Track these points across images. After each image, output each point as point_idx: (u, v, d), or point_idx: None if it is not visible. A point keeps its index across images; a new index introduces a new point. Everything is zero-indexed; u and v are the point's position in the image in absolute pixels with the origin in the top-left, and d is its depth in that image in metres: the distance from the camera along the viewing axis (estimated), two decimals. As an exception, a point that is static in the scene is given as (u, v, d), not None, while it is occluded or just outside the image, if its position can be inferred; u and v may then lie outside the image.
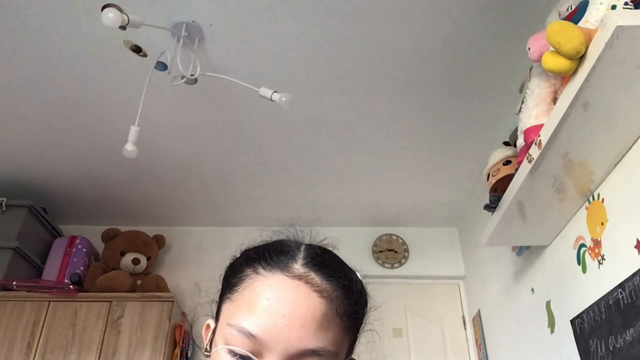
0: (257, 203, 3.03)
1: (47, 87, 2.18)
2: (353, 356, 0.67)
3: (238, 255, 0.65)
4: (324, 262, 0.61)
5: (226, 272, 0.64)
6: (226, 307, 0.59)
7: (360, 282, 0.68)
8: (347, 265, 0.67)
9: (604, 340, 1.51)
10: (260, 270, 0.59)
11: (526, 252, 2.19)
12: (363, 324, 0.67)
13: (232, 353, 0.55)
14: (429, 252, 3.21)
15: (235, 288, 0.60)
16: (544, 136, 1.43)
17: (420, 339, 2.98)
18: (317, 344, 0.54)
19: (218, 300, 0.63)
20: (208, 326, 0.64)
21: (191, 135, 2.47)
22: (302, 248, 0.63)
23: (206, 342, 0.63)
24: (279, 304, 0.55)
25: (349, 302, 0.60)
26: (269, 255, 0.60)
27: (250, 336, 0.53)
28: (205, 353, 0.61)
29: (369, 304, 0.69)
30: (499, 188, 1.84)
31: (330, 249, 0.68)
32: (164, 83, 1.99)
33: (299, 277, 0.57)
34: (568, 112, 1.32)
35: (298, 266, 0.59)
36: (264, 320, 0.54)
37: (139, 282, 2.84)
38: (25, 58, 2.03)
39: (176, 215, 3.16)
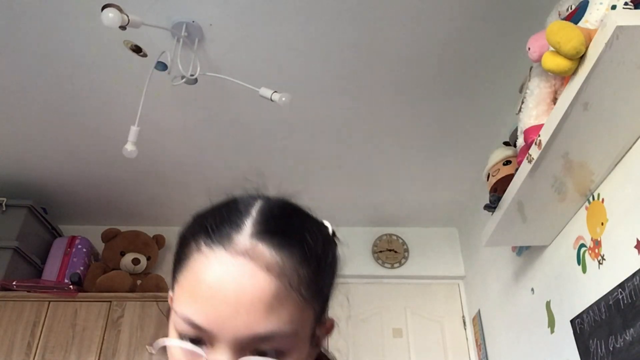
0: (257, 203, 3.03)
1: (47, 87, 2.18)
2: (326, 319, 0.61)
3: (188, 222, 0.58)
4: (278, 226, 0.54)
5: (176, 245, 0.58)
6: (176, 289, 0.55)
7: (326, 238, 0.61)
8: (309, 221, 0.60)
9: (604, 340, 1.51)
10: (202, 246, 0.53)
11: (526, 252, 2.19)
12: (333, 285, 0.60)
13: (184, 348, 0.51)
14: (429, 252, 3.21)
15: (180, 268, 0.54)
16: (544, 136, 1.43)
17: (420, 339, 2.98)
18: (269, 328, 0.49)
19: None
20: (172, 299, 0.58)
21: (191, 135, 2.47)
22: (255, 209, 0.56)
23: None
24: (222, 289, 0.49)
25: (308, 270, 0.54)
26: (213, 225, 0.54)
27: (195, 326, 0.50)
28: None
29: (338, 261, 0.62)
30: (499, 188, 1.84)
31: (295, 201, 0.61)
32: (164, 83, 1.99)
33: (243, 254, 0.51)
34: (568, 112, 1.32)
35: (244, 238, 0.52)
36: (207, 308, 0.49)
37: (139, 282, 2.84)
38: (25, 58, 2.03)
39: (176, 215, 3.15)
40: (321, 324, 0.59)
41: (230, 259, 0.51)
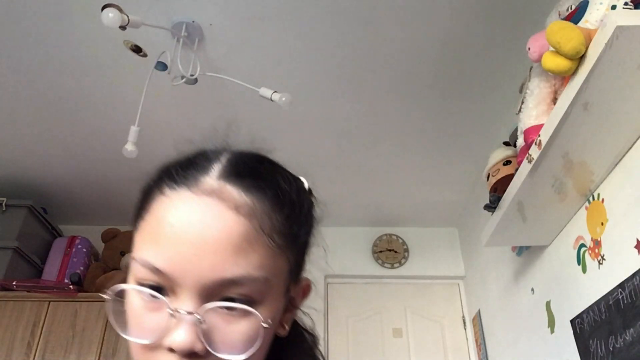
0: (257, 203, 3.03)
1: (47, 87, 2.18)
2: (303, 277, 0.57)
3: (152, 174, 0.55)
4: (247, 170, 0.51)
5: (138, 199, 0.53)
6: (135, 238, 0.50)
7: (301, 189, 0.57)
8: (283, 171, 0.57)
9: (604, 340, 1.51)
10: (165, 189, 0.49)
11: (526, 252, 2.19)
12: (309, 238, 0.56)
13: (141, 292, 0.46)
14: (429, 252, 3.21)
15: (141, 214, 0.50)
16: (544, 136, 1.43)
17: (420, 339, 2.98)
18: (237, 271, 0.45)
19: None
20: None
21: (191, 135, 2.47)
22: (224, 157, 0.52)
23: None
24: (185, 229, 0.45)
25: (280, 216, 0.50)
26: (178, 169, 0.50)
27: (156, 271, 0.45)
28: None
29: (315, 215, 0.58)
30: (499, 188, 1.84)
31: (267, 155, 0.58)
32: (164, 83, 1.99)
33: (209, 193, 0.47)
34: (568, 112, 1.32)
35: (211, 179, 0.48)
36: (169, 250, 0.45)
37: (139, 282, 2.84)
38: (25, 58, 2.03)
39: (176, 215, 3.15)
40: (296, 283, 0.54)
41: (195, 198, 0.47)
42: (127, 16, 1.56)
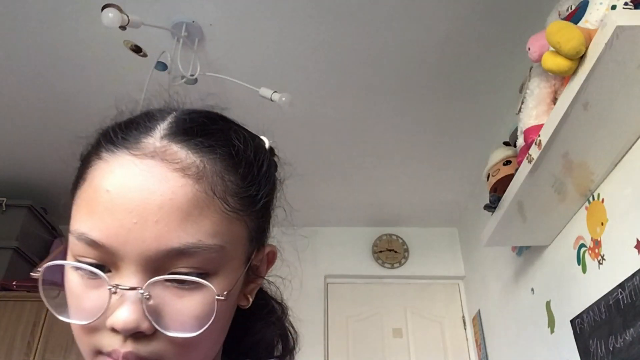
0: (257, 203, 3.03)
1: (47, 87, 2.18)
2: (269, 245, 0.52)
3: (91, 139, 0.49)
4: (195, 128, 0.45)
5: (76, 167, 0.48)
6: (72, 211, 0.44)
7: (259, 147, 0.52)
8: (239, 128, 0.51)
9: (604, 340, 1.51)
10: (103, 153, 0.43)
11: (526, 252, 2.19)
12: (270, 201, 0.51)
13: (77, 268, 0.41)
14: (429, 252, 3.21)
15: (77, 183, 0.45)
16: (544, 136, 1.43)
17: (420, 339, 2.98)
18: (185, 239, 0.40)
19: None
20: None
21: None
22: (172, 115, 0.47)
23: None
24: (123, 195, 0.40)
25: (234, 177, 0.45)
26: (117, 131, 0.45)
27: (94, 244, 0.40)
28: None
29: (276, 176, 0.53)
30: (499, 188, 1.84)
31: (222, 112, 0.52)
32: (164, 83, 1.99)
33: (151, 155, 0.42)
34: (568, 112, 1.32)
35: (154, 139, 0.43)
36: (107, 220, 0.40)
37: (139, 282, 2.84)
38: (25, 58, 2.03)
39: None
40: (259, 250, 0.50)
41: (136, 161, 0.42)
42: (127, 16, 1.56)
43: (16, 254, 2.69)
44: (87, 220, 0.41)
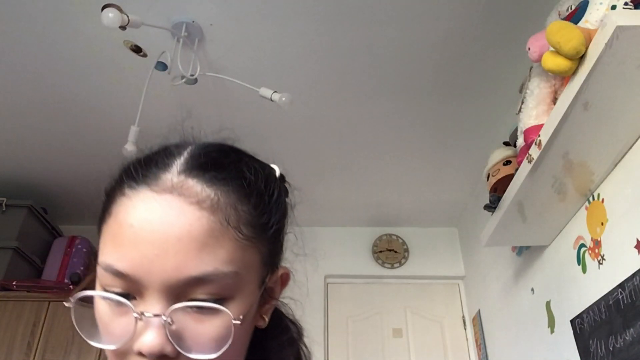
0: (257, 203, 3.03)
1: (47, 87, 2.18)
2: (281, 267, 0.55)
3: (114, 176, 0.53)
4: (209, 162, 0.49)
5: (102, 202, 0.52)
6: (99, 244, 0.48)
7: (269, 177, 0.55)
8: (250, 160, 0.54)
9: (604, 340, 1.51)
10: (126, 190, 0.47)
11: (526, 252, 2.19)
12: (281, 227, 0.54)
13: (106, 298, 0.45)
14: (429, 252, 3.21)
15: (103, 218, 0.49)
16: (544, 136, 1.43)
17: (420, 339, 2.98)
18: (203, 268, 0.44)
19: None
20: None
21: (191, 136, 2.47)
22: (187, 150, 0.51)
23: None
24: (145, 228, 0.44)
25: (246, 207, 0.48)
26: (138, 169, 0.48)
27: (120, 274, 0.44)
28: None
29: (287, 202, 0.57)
30: (499, 188, 1.84)
31: (234, 144, 0.56)
32: (164, 83, 1.99)
33: (169, 190, 0.46)
34: (568, 112, 1.32)
35: (172, 175, 0.47)
36: (130, 252, 0.44)
37: (139, 282, 2.83)
38: (25, 58, 2.03)
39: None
40: (273, 273, 0.53)
41: (156, 196, 0.45)
42: (127, 16, 1.56)
43: (16, 254, 2.69)
44: (113, 252, 0.45)
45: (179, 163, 0.48)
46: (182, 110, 2.28)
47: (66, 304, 0.46)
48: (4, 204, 2.75)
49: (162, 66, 1.87)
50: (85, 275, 2.81)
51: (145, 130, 1.98)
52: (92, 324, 0.47)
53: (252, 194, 0.50)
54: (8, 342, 2.49)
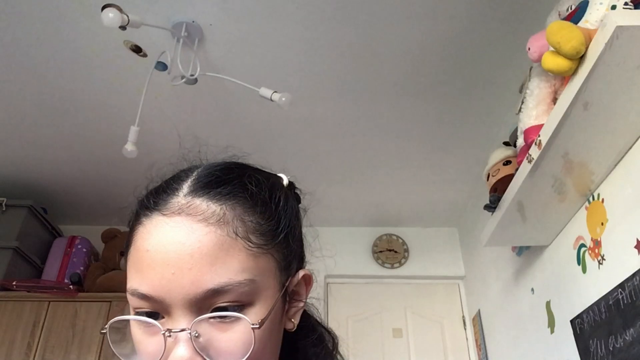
0: (257, 203, 3.03)
1: (47, 87, 2.18)
2: (300, 268, 0.58)
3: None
4: (214, 180, 0.52)
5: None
6: (127, 273, 0.52)
7: (274, 186, 0.57)
8: (253, 172, 0.57)
9: (604, 340, 1.51)
10: (142, 219, 0.51)
11: (526, 252, 2.19)
12: (292, 231, 0.56)
13: (136, 320, 0.49)
14: (429, 252, 3.21)
15: (128, 248, 0.53)
16: (544, 136, 1.43)
17: (420, 339, 2.98)
18: (217, 280, 0.46)
19: None
20: None
21: (191, 136, 2.47)
22: (194, 173, 0.54)
23: None
24: (160, 251, 0.47)
25: (253, 217, 0.51)
26: (151, 198, 0.52)
27: (144, 297, 0.47)
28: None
29: (296, 207, 0.60)
30: (499, 188, 1.84)
31: (241, 160, 0.59)
32: (164, 83, 1.99)
33: (178, 212, 0.49)
34: (568, 112, 1.32)
35: (180, 199, 0.50)
36: (150, 275, 0.47)
37: (139, 282, 2.84)
38: (25, 58, 2.03)
39: (176, 215, 3.15)
40: (293, 276, 0.56)
41: (166, 220, 0.49)
42: (127, 16, 1.56)
43: (16, 254, 2.69)
44: (136, 277, 0.49)
45: (185, 186, 0.52)
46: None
47: (102, 332, 0.52)
48: (4, 204, 2.75)
49: (162, 66, 1.87)
50: (84, 275, 2.81)
51: (145, 130, 1.99)
52: (126, 346, 0.51)
53: (257, 204, 0.53)
54: (8, 342, 2.49)
